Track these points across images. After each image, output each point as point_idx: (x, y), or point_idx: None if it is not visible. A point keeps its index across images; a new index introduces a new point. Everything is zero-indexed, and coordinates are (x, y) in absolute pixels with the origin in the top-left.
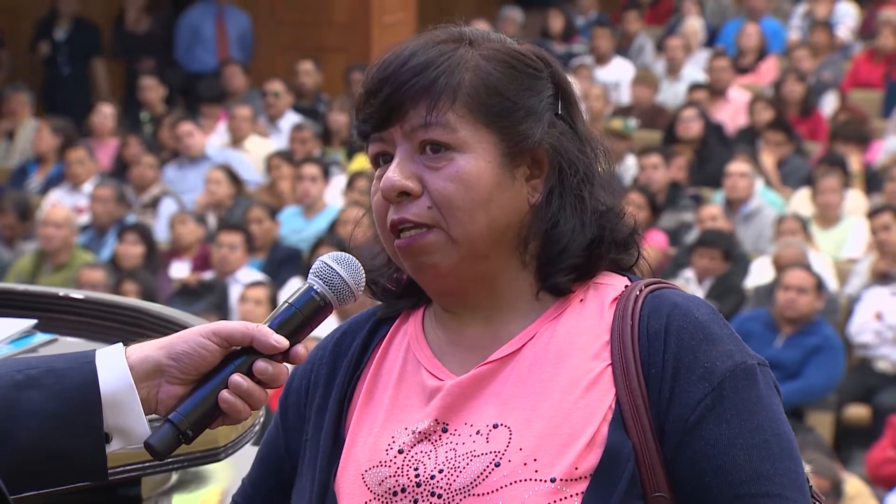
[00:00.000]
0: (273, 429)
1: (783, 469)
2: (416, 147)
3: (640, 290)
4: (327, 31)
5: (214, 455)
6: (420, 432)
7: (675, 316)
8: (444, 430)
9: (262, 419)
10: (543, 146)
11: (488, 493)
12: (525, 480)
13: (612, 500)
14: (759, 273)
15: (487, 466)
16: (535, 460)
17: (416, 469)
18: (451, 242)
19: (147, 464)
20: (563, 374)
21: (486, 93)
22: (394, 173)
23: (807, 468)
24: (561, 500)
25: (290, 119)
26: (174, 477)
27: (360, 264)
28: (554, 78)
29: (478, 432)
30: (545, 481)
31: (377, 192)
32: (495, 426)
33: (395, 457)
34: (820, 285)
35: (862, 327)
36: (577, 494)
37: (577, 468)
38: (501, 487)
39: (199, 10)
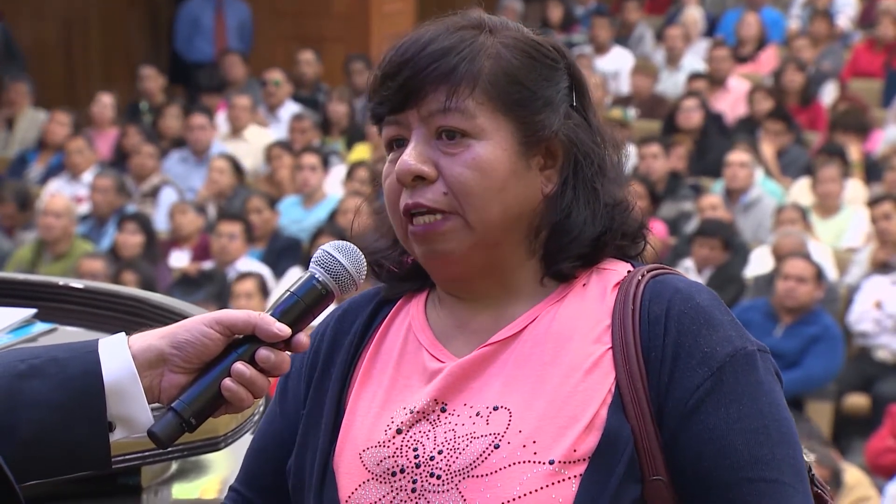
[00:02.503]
0: (269, 419)
1: (781, 454)
2: (432, 132)
3: (643, 276)
4: (327, 21)
5: (214, 444)
6: (418, 411)
7: (677, 301)
8: (443, 410)
9: (262, 408)
10: (559, 137)
11: (487, 475)
12: (523, 462)
13: (611, 483)
14: (759, 263)
15: (487, 448)
16: (534, 442)
17: (415, 450)
18: (467, 229)
19: (147, 453)
20: (564, 357)
21: (505, 81)
22: (410, 157)
23: (811, 457)
24: (559, 482)
25: (290, 109)
26: (174, 466)
27: (361, 253)
28: (569, 69)
29: (478, 414)
30: (543, 463)
31: (390, 175)
32: (495, 408)
33: (394, 437)
34: (819, 275)
35: (861, 316)
36: (575, 477)
37: (575, 450)
38: (500, 469)
39: (200, 0)
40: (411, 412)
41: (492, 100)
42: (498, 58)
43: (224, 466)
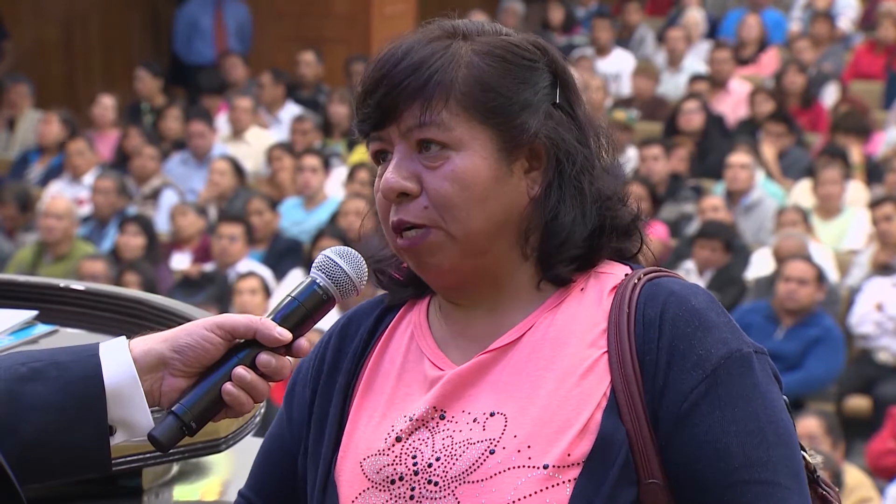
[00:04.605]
0: (277, 424)
1: (778, 456)
2: (413, 146)
3: (639, 279)
4: (328, 22)
5: (215, 446)
6: (417, 419)
7: (671, 304)
8: (442, 418)
9: (262, 411)
10: (540, 138)
11: (482, 480)
12: (518, 467)
13: (605, 487)
14: (760, 264)
15: (483, 454)
16: (528, 447)
17: (413, 457)
18: (451, 240)
19: (148, 455)
20: (560, 362)
21: (479, 89)
22: (392, 174)
23: (818, 459)
24: (553, 486)
25: (291, 110)
26: (175, 468)
27: (362, 258)
28: (551, 66)
29: (475, 420)
30: (538, 468)
31: (379, 191)
32: (492, 414)
33: (393, 445)
34: (820, 276)
35: (862, 318)
36: (569, 481)
37: (569, 455)
38: (495, 474)
39: (198, 2)
40: (411, 420)
41: (467, 110)
42: (470, 66)
43: (225, 468)
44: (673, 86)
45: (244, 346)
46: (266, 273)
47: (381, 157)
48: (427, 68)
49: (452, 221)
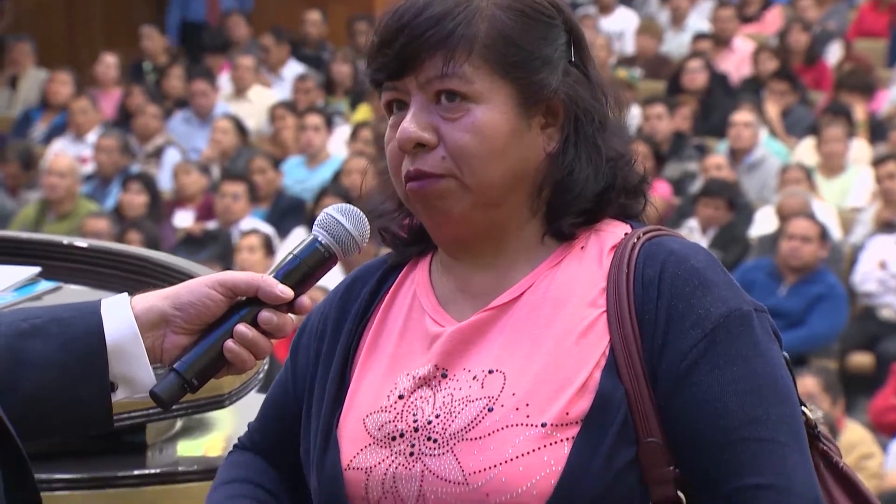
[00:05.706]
0: (283, 371)
1: (777, 414)
2: (431, 97)
3: (638, 238)
4: None
5: (219, 402)
6: (420, 377)
7: (671, 263)
8: (444, 376)
9: (266, 367)
10: (559, 95)
11: (480, 438)
12: (516, 425)
13: (603, 445)
14: (763, 222)
15: (481, 411)
16: (527, 405)
17: (414, 414)
18: (463, 189)
19: (152, 411)
20: (560, 321)
21: (502, 43)
22: (410, 124)
23: (818, 413)
24: (551, 444)
25: (293, 69)
26: (178, 424)
27: (364, 216)
28: (566, 25)
29: (474, 378)
30: (535, 426)
31: (392, 141)
32: (490, 372)
33: (396, 402)
34: (824, 234)
35: (866, 276)
36: (567, 439)
37: (567, 413)
38: (493, 432)
39: None
40: (414, 378)
41: (489, 63)
42: (493, 20)
43: (228, 424)
44: (676, 44)
45: (246, 303)
46: (269, 231)
47: (395, 105)
48: (451, 20)
49: (470, 172)
